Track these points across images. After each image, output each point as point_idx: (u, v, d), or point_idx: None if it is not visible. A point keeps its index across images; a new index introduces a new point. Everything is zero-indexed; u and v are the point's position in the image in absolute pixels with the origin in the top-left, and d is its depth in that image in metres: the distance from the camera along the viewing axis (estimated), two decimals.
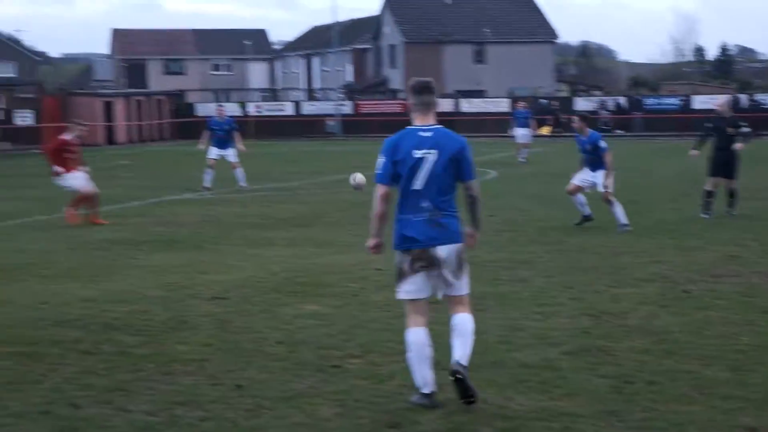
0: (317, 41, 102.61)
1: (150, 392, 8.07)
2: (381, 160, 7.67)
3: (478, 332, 9.80)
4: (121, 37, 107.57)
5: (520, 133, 38.35)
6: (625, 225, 17.34)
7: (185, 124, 65.70)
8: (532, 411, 7.45)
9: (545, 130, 60.14)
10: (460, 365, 7.48)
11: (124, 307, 11.45)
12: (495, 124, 59.29)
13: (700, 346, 9.23)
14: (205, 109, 66.74)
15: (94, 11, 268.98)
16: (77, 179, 20.10)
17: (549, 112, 63.33)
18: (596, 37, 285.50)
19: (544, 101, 68.52)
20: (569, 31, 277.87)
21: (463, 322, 7.77)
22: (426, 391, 7.56)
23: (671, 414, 7.33)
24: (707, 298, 11.50)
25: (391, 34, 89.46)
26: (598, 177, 17.66)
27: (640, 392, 7.86)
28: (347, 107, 72.35)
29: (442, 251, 7.58)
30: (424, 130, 7.62)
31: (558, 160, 36.83)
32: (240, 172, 27.68)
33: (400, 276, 7.71)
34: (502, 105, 66.43)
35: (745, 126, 20.34)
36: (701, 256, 14.59)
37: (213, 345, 9.59)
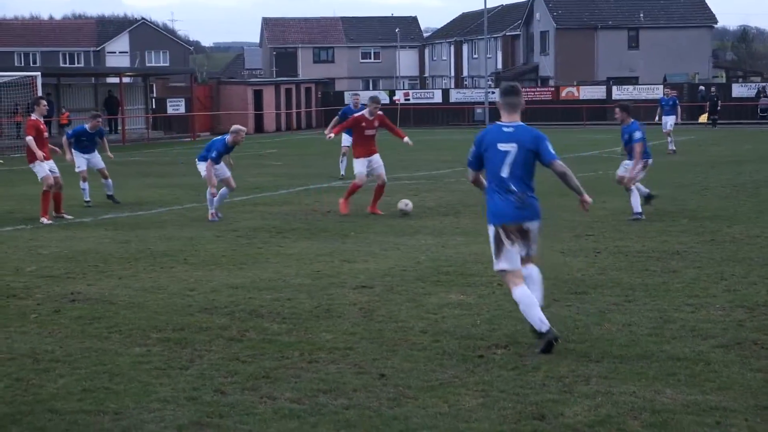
0: (466, 28, 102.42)
1: (294, 380, 8.10)
2: (471, 150, 9.19)
3: (627, 324, 9.66)
4: (271, 25, 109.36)
5: (667, 122, 37.26)
6: (638, 214, 17.50)
7: (333, 112, 66.04)
8: (682, 405, 7.24)
9: (702, 118, 58.73)
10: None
11: (270, 294, 11.57)
12: (647, 112, 58.26)
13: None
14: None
15: (245, 1, 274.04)
16: None
17: (707, 100, 61.62)
18: (756, 21, 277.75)
19: (702, 88, 66.84)
20: (727, 15, 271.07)
21: (536, 271, 9.16)
22: (544, 329, 8.67)
23: None
24: None
25: (542, 20, 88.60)
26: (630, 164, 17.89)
27: None
28: (496, 95, 72.07)
29: (531, 225, 9.02)
30: (507, 126, 9.01)
31: (713, 149, 35.98)
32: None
33: (498, 249, 8.97)
34: (657, 92, 65.23)
35: None
36: None
37: (357, 334, 9.60)
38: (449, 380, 8.01)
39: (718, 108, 59.69)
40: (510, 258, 8.93)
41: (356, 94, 32.31)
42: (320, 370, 8.36)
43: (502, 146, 8.93)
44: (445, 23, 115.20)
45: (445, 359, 8.63)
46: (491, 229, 9.00)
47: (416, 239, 15.80)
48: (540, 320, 8.72)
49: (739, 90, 67.32)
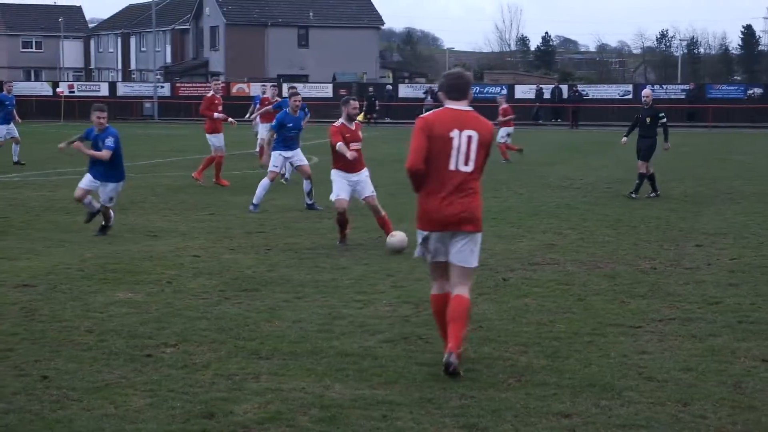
0: (134, 20, 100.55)
1: None
2: None
3: (297, 320, 9.73)
4: None
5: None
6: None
7: None
8: (350, 399, 7.34)
9: (360, 117, 60.13)
10: None
11: None
12: (316, 110, 59.24)
13: (517, 333, 9.30)
14: (15, 87, 64.58)
15: None
16: None
17: (365, 99, 62.81)
18: (421, 24, 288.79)
19: (371, 89, 68.63)
20: (394, 18, 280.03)
21: None
22: None
23: (487, 401, 7.33)
24: (525, 286, 11.63)
25: (212, 16, 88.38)
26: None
27: (457, 379, 7.84)
28: (165, 89, 71.17)
29: None
30: None
31: (385, 147, 37.01)
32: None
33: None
34: (326, 90, 66.54)
35: (663, 117, 21.95)
36: (520, 244, 14.78)
37: (18, 334, 9.16)
38: (116, 380, 7.78)
39: (376, 108, 61.50)
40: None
41: (9, 83, 32.22)
42: None
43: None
44: (112, 14, 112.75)
45: (112, 359, 8.38)
46: None
47: (82, 236, 15.29)
48: None
49: (405, 90, 69.66)
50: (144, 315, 9.99)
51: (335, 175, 14.55)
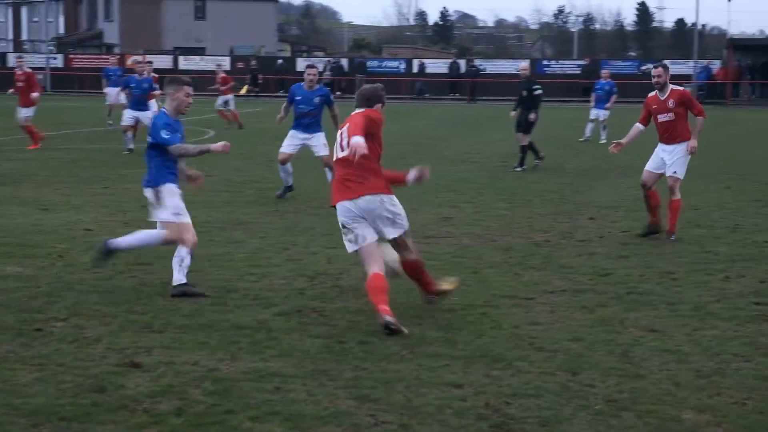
0: None
1: None
2: None
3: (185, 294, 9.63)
4: None
5: (111, 93, 32.96)
6: None
7: None
8: (243, 372, 7.33)
9: (243, 90, 59.64)
10: None
11: None
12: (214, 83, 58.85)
13: (412, 306, 9.34)
14: None
15: None
16: None
17: (248, 73, 62.18)
18: None
19: (280, 61, 68.28)
20: None
21: None
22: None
23: (380, 372, 7.37)
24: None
25: None
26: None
27: (351, 352, 7.88)
28: (58, 60, 69.82)
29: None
30: None
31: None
32: None
33: None
34: (223, 63, 65.84)
35: (538, 89, 22.16)
36: (416, 218, 14.80)
37: None
38: (4, 355, 7.66)
39: (259, 81, 61.14)
40: None
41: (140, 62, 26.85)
42: None
43: None
44: None
45: (0, 334, 8.23)
46: None
47: None
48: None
49: (303, 64, 69.35)
50: (34, 289, 9.82)
51: None
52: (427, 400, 6.82)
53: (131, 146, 24.09)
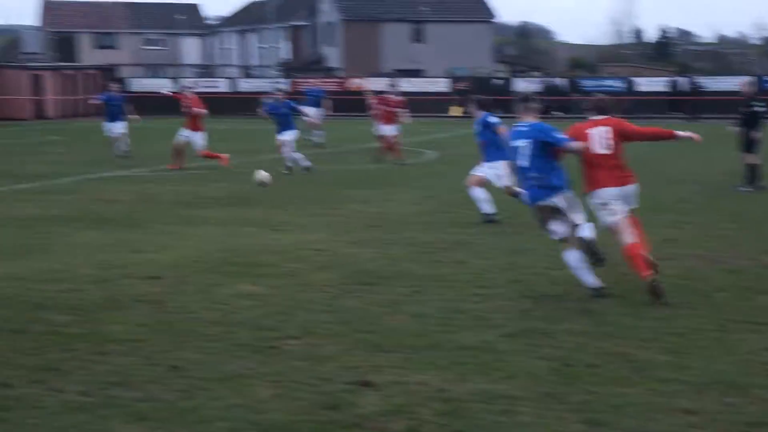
0: (253, 17, 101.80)
1: (83, 372, 7.90)
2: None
3: (417, 314, 9.80)
4: (51, 9, 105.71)
5: (312, 113, 34.67)
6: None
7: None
8: (471, 393, 7.39)
9: (457, 111, 59.41)
10: None
11: (56, 285, 11.21)
12: (433, 104, 59.40)
13: (638, 328, 9.22)
14: (139, 84, 66.11)
15: None
16: None
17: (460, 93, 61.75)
18: (535, 18, 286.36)
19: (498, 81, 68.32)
20: (508, 11, 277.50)
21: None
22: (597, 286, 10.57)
23: (609, 396, 7.31)
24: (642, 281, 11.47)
25: (328, 12, 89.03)
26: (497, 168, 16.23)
27: (579, 374, 7.84)
28: (284, 85, 71.91)
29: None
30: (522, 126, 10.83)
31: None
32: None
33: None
34: (440, 85, 66.43)
35: (759, 106, 21.52)
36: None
37: (148, 325, 9.42)
38: (242, 371, 7.95)
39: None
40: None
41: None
42: (110, 363, 8.17)
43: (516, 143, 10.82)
44: (231, 12, 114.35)
45: (238, 350, 8.57)
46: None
47: (204, 230, 15.59)
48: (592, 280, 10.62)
49: (522, 85, 69.22)
50: (267, 307, 10.17)
51: None
52: (660, 427, 6.73)
53: (307, 164, 25.26)
